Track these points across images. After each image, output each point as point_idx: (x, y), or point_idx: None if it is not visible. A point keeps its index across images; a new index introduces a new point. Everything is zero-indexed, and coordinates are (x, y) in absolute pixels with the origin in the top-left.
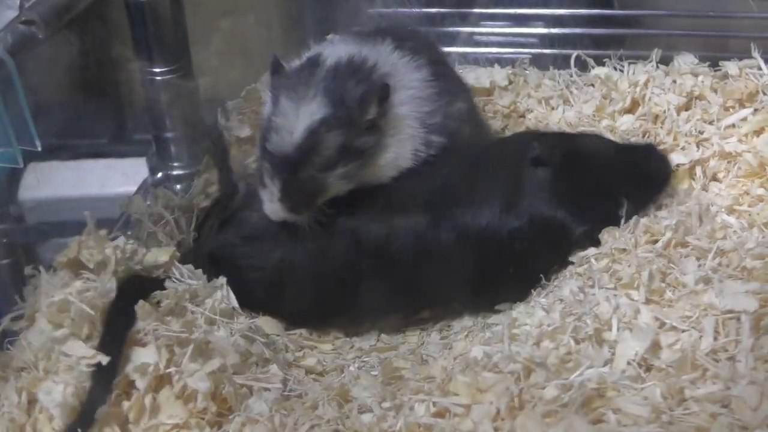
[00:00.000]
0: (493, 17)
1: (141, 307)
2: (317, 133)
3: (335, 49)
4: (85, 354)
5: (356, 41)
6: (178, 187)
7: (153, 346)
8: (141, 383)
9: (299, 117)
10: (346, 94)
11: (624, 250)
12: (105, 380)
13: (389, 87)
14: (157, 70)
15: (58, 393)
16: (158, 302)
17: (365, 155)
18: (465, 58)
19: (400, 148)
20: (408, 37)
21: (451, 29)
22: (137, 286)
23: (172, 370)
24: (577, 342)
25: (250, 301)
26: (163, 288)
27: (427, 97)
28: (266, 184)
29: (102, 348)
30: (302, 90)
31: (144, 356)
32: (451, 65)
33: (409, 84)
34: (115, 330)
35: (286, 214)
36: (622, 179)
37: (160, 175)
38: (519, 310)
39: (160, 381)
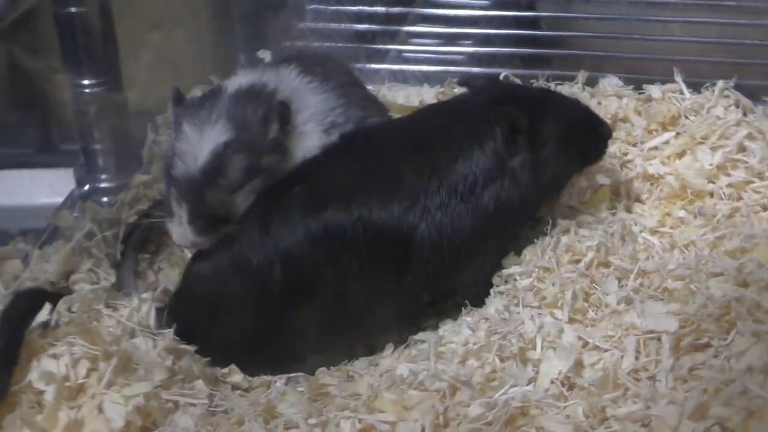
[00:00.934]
0: (422, 35)
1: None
2: (222, 155)
3: (237, 79)
4: None
5: (260, 71)
6: (105, 199)
7: (67, 356)
8: (48, 394)
9: (203, 141)
10: (247, 116)
11: (547, 269)
12: None
13: (288, 106)
14: (86, 82)
15: None
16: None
17: (271, 172)
18: (394, 76)
19: None
20: (316, 63)
21: (380, 47)
22: (30, 300)
23: (93, 383)
24: (501, 360)
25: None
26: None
27: (334, 117)
28: (173, 210)
29: None
30: (205, 116)
31: (50, 365)
32: (365, 87)
33: (312, 105)
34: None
35: (195, 238)
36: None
37: (87, 187)
38: (445, 328)
39: (80, 394)
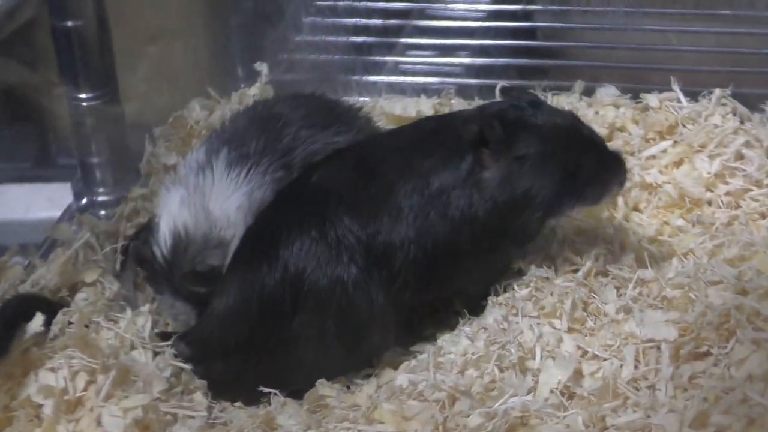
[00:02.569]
0: (418, 47)
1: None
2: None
3: (162, 225)
4: None
5: (180, 198)
6: (103, 212)
7: (66, 369)
8: (47, 407)
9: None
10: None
11: (546, 278)
12: None
13: (194, 272)
14: (83, 95)
15: None
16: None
17: None
18: (391, 88)
19: None
20: (253, 135)
21: (377, 58)
22: (22, 304)
23: (91, 395)
24: (501, 370)
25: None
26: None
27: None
28: None
29: None
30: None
31: (49, 379)
32: (332, 124)
33: (235, 211)
34: None
35: None
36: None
37: (85, 200)
38: (444, 338)
39: (79, 407)
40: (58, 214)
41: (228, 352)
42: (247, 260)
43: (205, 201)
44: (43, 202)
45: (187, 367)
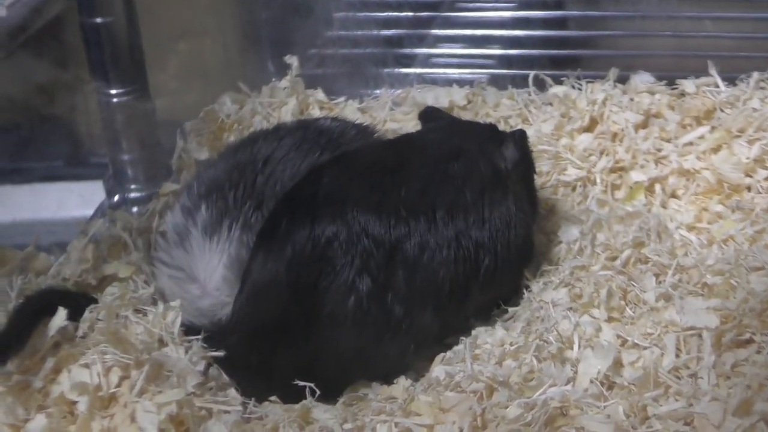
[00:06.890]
0: (450, 38)
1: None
2: None
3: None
4: None
5: (171, 260)
6: (135, 209)
7: (99, 365)
8: (82, 404)
9: None
10: None
11: (583, 267)
12: None
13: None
14: (114, 91)
15: None
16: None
17: None
18: (423, 79)
19: None
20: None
21: (408, 51)
22: (41, 303)
23: (125, 391)
24: (539, 361)
25: None
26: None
27: None
28: None
29: None
30: None
31: (83, 375)
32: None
33: None
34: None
35: None
36: None
37: (117, 197)
38: (479, 329)
39: (113, 403)
40: (90, 212)
41: (249, 361)
42: (260, 265)
43: (192, 276)
44: (75, 200)
45: (219, 354)
